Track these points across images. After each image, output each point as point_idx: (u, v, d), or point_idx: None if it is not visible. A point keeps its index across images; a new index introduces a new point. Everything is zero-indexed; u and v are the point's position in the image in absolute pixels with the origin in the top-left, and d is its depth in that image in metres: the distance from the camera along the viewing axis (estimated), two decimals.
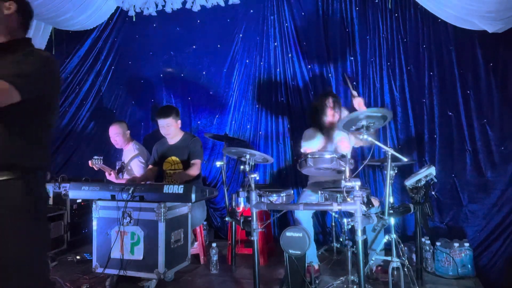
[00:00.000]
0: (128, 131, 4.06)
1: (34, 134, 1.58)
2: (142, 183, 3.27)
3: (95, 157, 3.68)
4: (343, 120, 2.49)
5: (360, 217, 2.21)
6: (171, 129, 3.59)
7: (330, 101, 3.26)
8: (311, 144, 3.34)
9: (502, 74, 3.52)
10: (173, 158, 3.64)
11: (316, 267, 3.03)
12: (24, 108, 1.50)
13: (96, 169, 3.71)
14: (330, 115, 3.26)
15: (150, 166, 3.77)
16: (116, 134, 3.95)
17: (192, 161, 3.55)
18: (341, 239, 3.53)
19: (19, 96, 1.44)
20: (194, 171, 3.51)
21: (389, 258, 2.53)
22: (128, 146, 4.06)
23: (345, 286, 2.66)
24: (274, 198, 2.85)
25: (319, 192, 2.75)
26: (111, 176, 3.77)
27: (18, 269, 1.47)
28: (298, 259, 2.46)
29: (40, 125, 1.60)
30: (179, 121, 3.67)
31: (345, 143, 3.15)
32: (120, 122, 4.09)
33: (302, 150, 3.30)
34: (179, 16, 4.57)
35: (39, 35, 4.64)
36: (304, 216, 3.03)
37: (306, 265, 2.57)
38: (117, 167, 3.94)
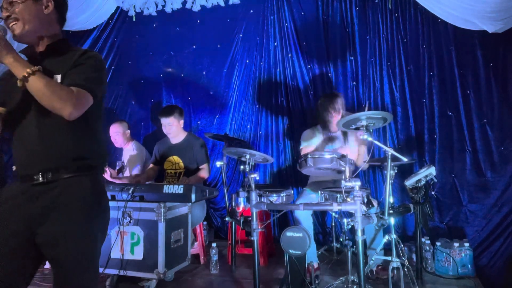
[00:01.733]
0: (128, 131, 4.09)
1: (94, 130, 1.58)
2: (143, 183, 3.28)
3: (120, 163, 3.72)
4: (343, 120, 2.49)
5: (360, 217, 2.21)
6: (173, 128, 3.62)
7: (336, 101, 3.27)
8: (310, 145, 3.35)
9: (502, 74, 3.52)
10: (175, 157, 3.65)
11: (316, 265, 3.03)
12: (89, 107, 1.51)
13: None
14: (332, 115, 3.26)
15: (151, 165, 3.77)
16: (116, 132, 3.98)
17: (201, 167, 3.62)
18: (341, 239, 3.53)
19: (92, 100, 1.48)
20: (204, 174, 3.61)
21: (389, 258, 2.53)
22: (128, 146, 4.08)
23: (345, 286, 2.66)
24: (274, 198, 2.85)
25: (319, 192, 2.75)
26: (106, 174, 3.76)
27: (87, 266, 1.48)
28: (298, 259, 2.46)
29: (96, 120, 1.60)
30: (182, 121, 3.69)
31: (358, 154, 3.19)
32: (121, 121, 4.14)
33: (301, 151, 3.31)
34: (179, 16, 4.57)
35: None
36: (303, 215, 3.03)
37: (306, 265, 2.57)
38: (117, 167, 3.94)
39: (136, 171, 3.90)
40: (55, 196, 1.44)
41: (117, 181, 3.75)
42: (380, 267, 3.01)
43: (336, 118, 3.25)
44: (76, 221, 1.45)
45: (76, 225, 1.45)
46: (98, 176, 1.57)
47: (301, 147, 3.43)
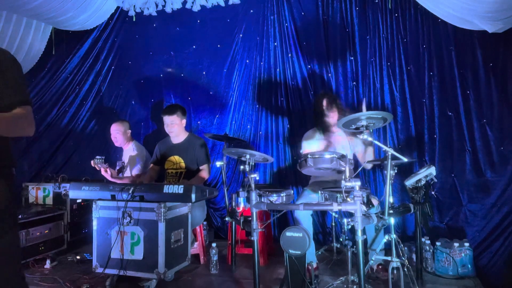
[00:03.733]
0: (129, 131, 4.11)
1: None
2: (142, 183, 3.28)
3: (97, 157, 3.70)
4: (343, 120, 2.49)
5: (360, 217, 2.21)
6: (174, 127, 3.63)
7: (325, 102, 3.29)
8: (311, 145, 3.35)
9: (502, 74, 3.52)
10: (176, 157, 3.66)
11: (315, 265, 3.03)
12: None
13: (98, 169, 3.72)
14: (327, 115, 3.27)
15: (151, 165, 3.78)
16: (117, 131, 4.01)
17: (201, 167, 3.62)
18: (341, 239, 3.53)
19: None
20: (204, 174, 3.61)
21: (389, 258, 2.53)
22: (128, 146, 4.09)
23: (345, 286, 2.66)
24: (274, 198, 2.85)
25: (319, 192, 2.75)
26: (107, 174, 3.77)
27: None
28: (298, 259, 2.46)
29: None
30: (184, 121, 3.70)
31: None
32: (122, 120, 4.18)
33: (302, 152, 3.31)
34: (179, 16, 4.57)
35: (39, 35, 4.64)
36: (303, 216, 3.03)
37: (306, 264, 2.57)
38: (117, 167, 3.94)
39: (136, 171, 3.92)
40: None
41: (118, 181, 3.75)
42: (381, 267, 3.01)
43: (332, 117, 3.26)
44: None
45: None
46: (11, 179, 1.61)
47: (302, 148, 3.43)
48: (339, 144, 3.31)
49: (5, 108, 1.51)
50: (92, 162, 3.71)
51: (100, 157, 3.70)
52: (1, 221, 1.53)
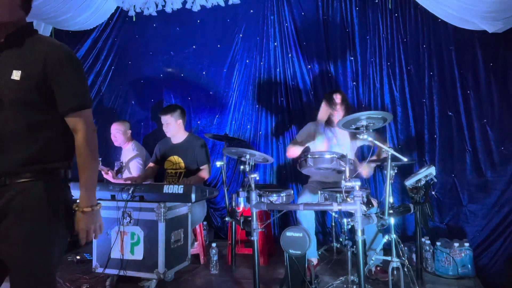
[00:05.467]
0: (130, 131, 4.12)
1: (55, 130, 1.51)
2: (142, 183, 3.28)
3: (118, 163, 3.73)
4: (343, 120, 2.49)
5: (360, 217, 2.21)
6: (169, 127, 3.64)
7: (339, 97, 3.30)
8: (302, 136, 3.36)
9: (502, 74, 3.52)
10: (175, 157, 3.66)
11: (315, 261, 3.02)
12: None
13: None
14: (337, 111, 3.28)
15: (151, 164, 3.78)
16: (117, 130, 4.04)
17: (201, 167, 3.61)
18: (341, 239, 3.53)
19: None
20: (204, 174, 3.61)
21: (389, 258, 2.53)
22: (128, 146, 4.09)
23: (345, 286, 2.66)
24: (274, 198, 2.85)
25: (319, 192, 2.75)
26: (108, 175, 3.78)
27: (36, 271, 1.41)
28: (298, 259, 2.46)
29: (60, 119, 1.50)
30: (180, 121, 3.67)
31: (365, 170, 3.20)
32: (123, 120, 4.21)
33: (288, 147, 3.33)
34: (179, 16, 4.57)
35: None
36: (306, 217, 3.03)
37: (306, 264, 2.57)
38: (116, 168, 3.94)
39: (137, 170, 3.90)
40: (8, 200, 1.38)
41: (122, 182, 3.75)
42: (379, 268, 3.01)
43: (340, 114, 3.27)
44: (25, 226, 1.38)
45: (25, 230, 1.38)
46: (54, 182, 1.45)
47: (291, 141, 3.46)
48: (344, 141, 3.30)
49: (65, 115, 1.45)
50: (115, 171, 3.76)
51: (118, 162, 3.74)
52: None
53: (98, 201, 1.54)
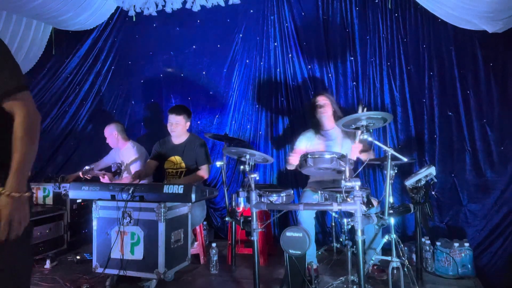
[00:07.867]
0: (123, 132, 4.09)
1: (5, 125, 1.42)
2: (142, 182, 3.28)
3: (86, 167, 3.74)
4: (343, 120, 2.49)
5: (360, 217, 2.21)
6: (178, 128, 3.64)
7: (317, 98, 3.35)
8: (301, 143, 3.36)
9: (502, 74, 3.53)
10: (177, 158, 3.66)
11: (315, 267, 3.03)
12: None
13: (89, 178, 3.75)
14: (321, 112, 3.30)
15: (150, 161, 3.76)
16: (113, 131, 4.04)
17: (200, 167, 3.61)
18: (341, 239, 3.53)
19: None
20: (203, 173, 3.60)
21: (389, 258, 2.53)
22: (125, 146, 4.08)
23: (345, 286, 2.66)
24: (274, 198, 2.85)
25: (319, 192, 2.75)
26: (104, 179, 3.78)
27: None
28: (298, 259, 2.46)
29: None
30: (188, 123, 3.72)
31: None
32: (115, 122, 4.18)
33: (289, 155, 3.34)
34: (179, 16, 4.57)
35: (39, 35, 4.65)
36: (306, 218, 3.03)
37: (306, 264, 2.57)
38: (113, 169, 3.94)
39: (139, 168, 3.88)
40: None
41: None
42: (376, 267, 3.00)
43: (325, 112, 3.29)
44: None
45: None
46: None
47: (294, 147, 3.46)
48: (339, 141, 3.30)
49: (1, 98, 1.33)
50: (80, 173, 3.76)
51: (88, 167, 3.75)
52: None
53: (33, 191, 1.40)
